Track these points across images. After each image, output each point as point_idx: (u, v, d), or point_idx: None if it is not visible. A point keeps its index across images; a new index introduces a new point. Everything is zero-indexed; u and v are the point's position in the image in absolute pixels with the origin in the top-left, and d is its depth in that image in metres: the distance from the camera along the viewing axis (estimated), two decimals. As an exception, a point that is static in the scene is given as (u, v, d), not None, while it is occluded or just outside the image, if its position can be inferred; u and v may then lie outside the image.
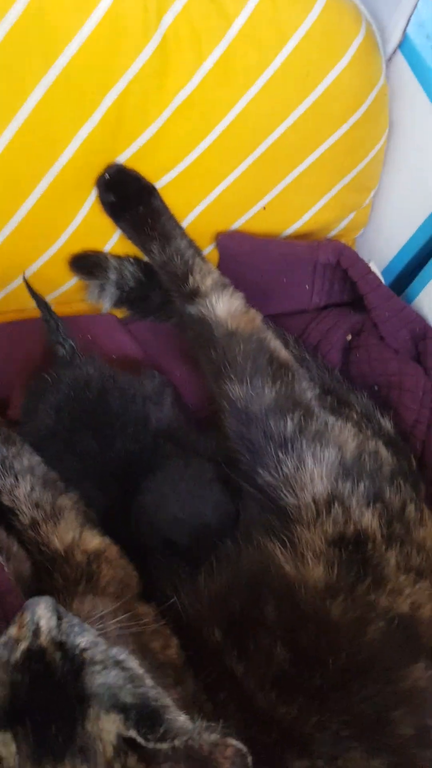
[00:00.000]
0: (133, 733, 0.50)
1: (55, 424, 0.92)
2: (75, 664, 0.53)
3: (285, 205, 1.08)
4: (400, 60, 1.04)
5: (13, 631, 0.56)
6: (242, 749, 0.48)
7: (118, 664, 0.54)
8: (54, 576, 0.77)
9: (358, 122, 1.02)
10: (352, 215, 1.16)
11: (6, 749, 0.49)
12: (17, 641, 0.54)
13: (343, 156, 1.06)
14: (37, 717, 0.50)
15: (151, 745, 0.49)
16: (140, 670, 0.55)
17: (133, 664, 0.56)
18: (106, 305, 1.10)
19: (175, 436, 0.99)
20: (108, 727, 0.50)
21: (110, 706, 0.51)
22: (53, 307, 1.12)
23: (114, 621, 0.68)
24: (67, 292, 1.10)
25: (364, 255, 1.13)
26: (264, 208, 1.07)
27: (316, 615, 0.71)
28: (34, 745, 0.49)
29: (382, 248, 1.22)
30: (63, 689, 0.52)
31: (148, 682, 0.55)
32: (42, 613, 0.55)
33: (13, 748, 0.49)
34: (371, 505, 0.82)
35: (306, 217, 1.11)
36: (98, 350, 1.07)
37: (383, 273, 1.22)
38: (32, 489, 0.84)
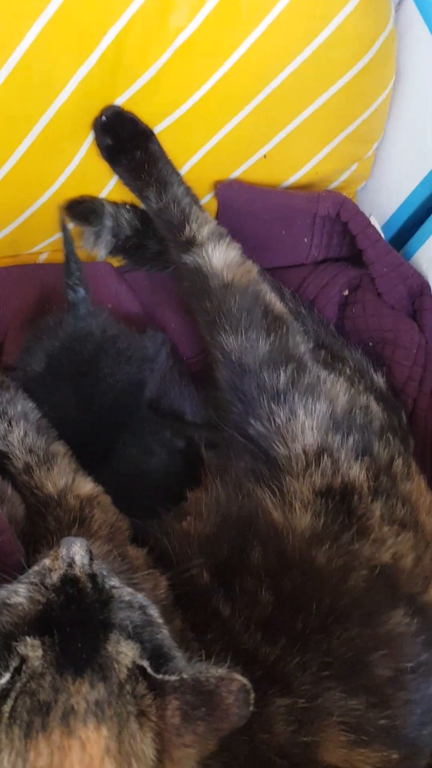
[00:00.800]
0: (145, 663, 0.53)
1: (44, 369, 0.93)
2: (104, 595, 0.57)
3: (286, 154, 1.06)
4: (410, 6, 1.01)
5: (47, 561, 0.59)
6: (247, 684, 0.52)
7: (141, 608, 0.58)
8: (47, 519, 0.79)
9: (364, 70, 1.00)
10: (353, 167, 1.14)
11: (33, 653, 0.52)
12: (51, 570, 0.58)
13: (347, 105, 1.03)
14: (65, 631, 0.54)
15: (159, 676, 0.53)
16: (160, 620, 0.58)
17: (155, 612, 0.59)
18: (101, 253, 1.09)
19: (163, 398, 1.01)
20: (125, 652, 0.54)
21: (131, 637, 0.55)
22: (49, 254, 1.12)
23: (108, 562, 0.70)
24: (62, 239, 1.08)
25: (364, 209, 1.12)
26: (264, 156, 1.05)
27: (302, 561, 0.73)
28: (59, 654, 0.52)
29: (383, 202, 1.21)
30: (91, 614, 0.55)
31: (165, 632, 0.58)
32: (77, 549, 0.59)
33: (39, 652, 0.52)
34: (360, 458, 0.84)
35: (307, 167, 1.09)
36: (94, 299, 1.06)
37: (383, 228, 1.20)
38: (26, 434, 0.85)
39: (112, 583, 0.59)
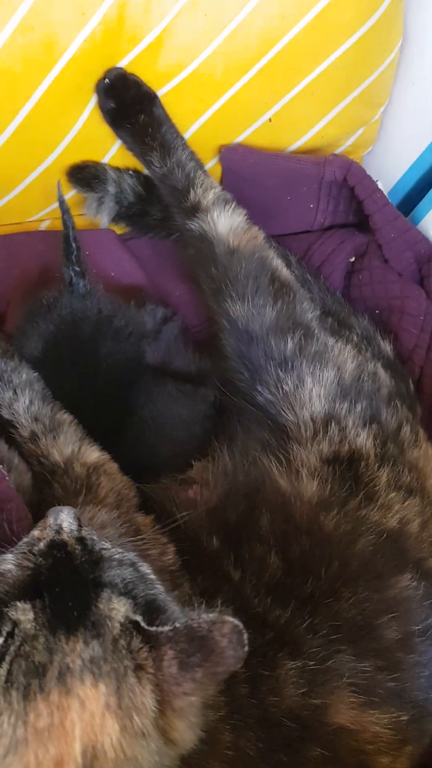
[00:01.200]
0: (138, 617, 0.53)
1: (41, 353, 0.91)
2: (93, 556, 0.57)
3: (291, 117, 1.04)
4: (418, -35, 0.99)
5: (36, 532, 0.59)
6: (239, 625, 0.51)
7: (132, 564, 0.58)
8: (54, 487, 0.79)
9: (370, 31, 0.97)
10: (360, 131, 1.12)
11: (24, 616, 0.52)
12: (40, 540, 0.58)
13: (353, 67, 1.01)
14: (55, 592, 0.54)
15: (153, 628, 0.53)
16: (152, 576, 0.58)
17: (146, 568, 0.58)
18: (104, 220, 1.08)
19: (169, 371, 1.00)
20: (118, 607, 0.54)
21: (122, 594, 0.55)
22: (51, 222, 1.11)
23: (114, 529, 0.70)
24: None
25: (371, 174, 1.10)
26: (270, 120, 1.03)
27: (310, 527, 0.74)
28: (51, 616, 0.52)
29: (390, 167, 1.19)
30: (81, 574, 0.56)
31: (159, 586, 0.57)
32: (64, 517, 0.59)
33: (30, 615, 0.52)
34: (367, 425, 0.83)
35: (313, 131, 1.07)
36: (96, 267, 1.05)
37: (390, 193, 1.19)
38: (31, 402, 0.85)
39: (102, 545, 0.59)
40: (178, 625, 0.52)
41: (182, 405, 0.94)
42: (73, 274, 0.93)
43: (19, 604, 0.53)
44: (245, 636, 0.51)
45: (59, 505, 0.74)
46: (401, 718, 0.65)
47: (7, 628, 0.51)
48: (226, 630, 0.51)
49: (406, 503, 0.77)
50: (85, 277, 0.94)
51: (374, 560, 0.72)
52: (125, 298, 1.04)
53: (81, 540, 0.58)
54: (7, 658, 0.50)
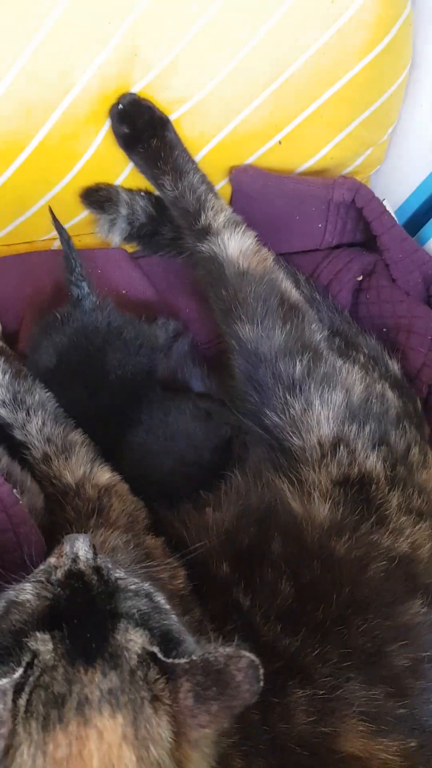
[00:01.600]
0: (155, 649, 0.54)
1: (54, 366, 0.92)
2: (110, 586, 0.58)
3: (301, 139, 1.05)
4: (427, -11, 1.00)
5: (52, 560, 0.60)
6: (255, 661, 0.52)
7: (148, 595, 0.58)
8: (66, 509, 0.79)
9: (381, 54, 0.98)
10: (368, 152, 1.13)
11: (44, 647, 0.53)
12: (56, 568, 0.59)
13: (363, 90, 1.02)
14: (73, 624, 0.55)
15: (170, 660, 0.53)
16: (167, 606, 0.59)
17: (161, 599, 0.59)
18: (115, 240, 1.09)
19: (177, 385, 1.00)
20: (135, 639, 0.54)
21: (139, 625, 0.55)
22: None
23: (126, 552, 0.71)
24: (77, 225, 1.08)
25: (378, 193, 1.11)
26: (280, 142, 1.04)
27: (321, 552, 0.74)
28: (70, 647, 0.53)
29: (397, 187, 1.20)
30: (98, 605, 0.56)
31: (174, 617, 0.58)
32: (80, 545, 0.60)
33: (50, 646, 0.53)
34: (376, 447, 0.84)
35: (322, 152, 1.08)
36: (108, 284, 1.06)
37: (396, 213, 1.20)
38: (44, 424, 0.86)
39: (118, 574, 0.60)
40: (194, 657, 0.53)
41: (198, 426, 0.93)
42: (78, 289, 0.94)
43: (38, 634, 0.53)
44: (261, 671, 0.52)
45: (71, 527, 0.77)
46: (410, 745, 0.65)
47: (26, 659, 0.52)
48: (243, 665, 0.52)
49: (417, 527, 0.78)
50: (91, 291, 0.95)
51: (385, 586, 0.72)
52: (137, 314, 1.05)
53: (97, 570, 0.58)
54: (27, 689, 0.51)
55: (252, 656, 0.52)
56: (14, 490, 0.73)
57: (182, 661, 0.53)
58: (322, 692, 0.64)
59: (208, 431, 0.93)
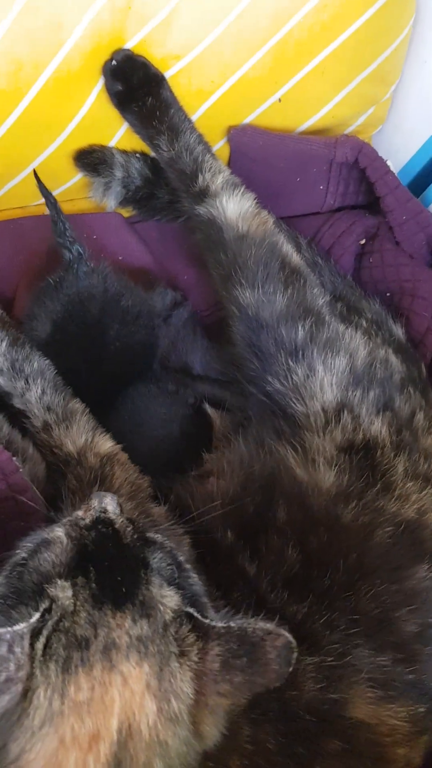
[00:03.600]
0: (191, 610, 0.54)
1: (50, 335, 0.90)
2: (142, 537, 0.58)
3: (302, 97, 1.02)
4: None
5: (79, 512, 0.59)
6: (292, 642, 0.52)
7: (170, 552, 0.58)
8: (68, 478, 0.78)
9: (383, 8, 0.95)
10: (371, 110, 1.10)
11: (63, 593, 0.52)
12: (83, 518, 0.58)
13: (365, 46, 0.99)
14: (102, 566, 0.54)
15: (207, 621, 0.53)
16: (188, 564, 0.59)
17: (182, 557, 0.59)
18: (111, 204, 1.06)
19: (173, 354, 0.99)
20: (170, 595, 0.54)
21: (168, 581, 0.55)
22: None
23: None
24: (70, 188, 1.05)
25: (381, 154, 1.08)
26: (279, 100, 1.01)
27: (327, 519, 0.73)
28: (97, 590, 0.52)
29: (400, 147, 1.17)
30: (131, 551, 0.56)
31: (194, 575, 0.58)
32: (109, 501, 0.59)
33: (69, 592, 0.52)
34: (381, 413, 0.83)
35: (323, 111, 1.05)
36: (103, 250, 1.04)
37: (399, 174, 1.17)
38: (43, 392, 0.84)
39: (151, 534, 0.60)
40: (233, 624, 0.53)
41: (159, 403, 0.94)
42: (70, 253, 0.91)
43: (59, 581, 0.53)
44: (294, 655, 0.52)
45: (74, 496, 0.76)
46: (418, 710, 0.65)
47: (44, 605, 0.51)
48: (279, 644, 0.52)
49: (424, 492, 0.77)
50: (84, 255, 0.92)
51: (392, 552, 0.71)
52: (134, 281, 1.03)
53: (131, 521, 0.58)
54: (45, 632, 0.50)
55: (290, 637, 0.52)
56: (14, 458, 0.72)
57: (220, 624, 0.53)
58: (330, 659, 0.64)
59: (173, 406, 0.93)
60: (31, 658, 0.50)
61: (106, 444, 0.83)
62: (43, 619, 0.51)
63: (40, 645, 0.50)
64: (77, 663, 0.50)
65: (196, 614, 0.54)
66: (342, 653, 0.65)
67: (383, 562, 0.70)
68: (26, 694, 0.49)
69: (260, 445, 0.83)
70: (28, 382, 0.84)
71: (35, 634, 0.50)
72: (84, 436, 0.82)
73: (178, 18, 0.88)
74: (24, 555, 0.56)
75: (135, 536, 0.57)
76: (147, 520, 0.72)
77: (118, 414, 0.92)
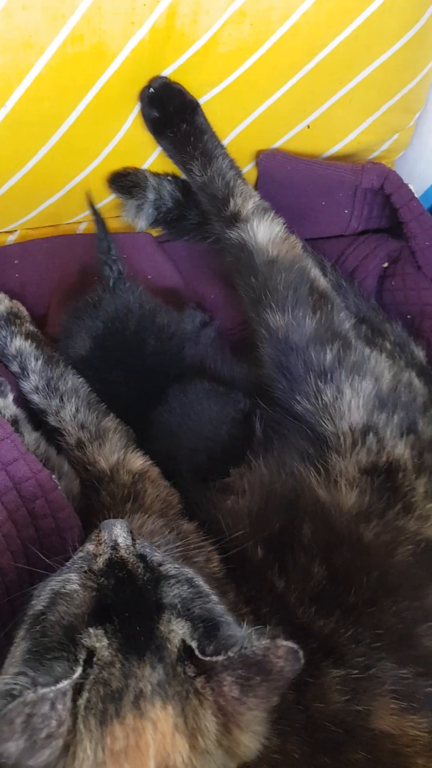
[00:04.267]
0: (194, 644, 0.55)
1: (89, 351, 0.93)
2: (155, 574, 0.58)
3: (330, 124, 1.05)
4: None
5: (90, 547, 0.61)
6: (293, 647, 0.52)
7: (188, 581, 0.59)
8: (102, 494, 0.81)
9: (412, 40, 0.98)
10: (395, 137, 1.13)
11: (99, 643, 0.53)
12: (96, 556, 0.60)
13: (393, 75, 1.02)
14: (123, 616, 0.55)
15: (207, 658, 0.54)
16: (207, 588, 0.60)
17: (201, 582, 0.60)
18: (141, 225, 1.09)
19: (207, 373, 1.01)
20: (177, 630, 0.55)
21: (181, 615, 0.56)
22: (87, 224, 1.12)
23: (162, 537, 0.72)
24: (102, 209, 1.08)
25: (402, 179, 1.11)
26: (308, 126, 1.04)
27: (350, 537, 0.75)
28: (123, 641, 0.54)
29: (421, 172, 1.20)
30: (144, 595, 0.57)
31: (214, 598, 0.59)
32: (119, 532, 0.61)
33: (105, 642, 0.54)
34: (404, 435, 0.85)
35: (350, 137, 1.08)
36: (134, 269, 1.07)
37: (421, 198, 1.19)
38: (77, 410, 0.87)
39: (157, 558, 0.61)
40: (231, 654, 0.53)
41: (213, 402, 0.95)
42: (111, 271, 0.95)
43: (92, 630, 0.54)
44: (300, 654, 0.53)
45: (108, 512, 0.78)
46: (439, 722, 0.68)
47: (83, 656, 0.52)
48: (282, 653, 0.52)
49: None
50: (123, 273, 0.96)
51: (413, 570, 0.73)
52: (163, 300, 1.06)
53: (142, 558, 0.59)
54: (87, 686, 0.52)
55: (289, 644, 0.52)
56: (53, 476, 0.74)
57: (220, 658, 0.53)
58: (355, 672, 0.66)
59: (224, 406, 0.94)
60: (73, 714, 0.51)
61: (138, 461, 0.86)
62: (85, 674, 0.52)
63: (82, 702, 0.51)
64: (112, 714, 0.51)
65: (195, 651, 0.54)
66: (366, 666, 0.67)
67: (404, 579, 0.73)
68: (68, 749, 0.50)
69: (282, 466, 0.85)
70: (62, 400, 0.87)
71: (77, 689, 0.51)
72: (116, 454, 0.85)
73: (215, 47, 0.91)
74: (41, 607, 0.57)
75: (147, 576, 0.58)
76: (178, 538, 0.74)
77: (168, 405, 0.93)
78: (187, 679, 0.54)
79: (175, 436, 0.92)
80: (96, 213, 0.96)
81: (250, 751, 0.56)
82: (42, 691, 0.48)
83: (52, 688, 0.49)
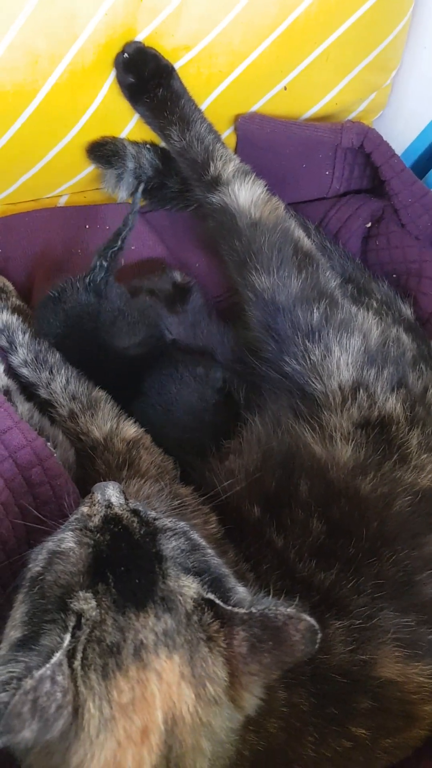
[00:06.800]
0: (212, 596, 0.55)
1: (62, 334, 0.92)
2: (150, 527, 0.59)
3: (307, 85, 1.04)
4: None
5: (84, 509, 0.61)
6: (315, 626, 0.53)
7: (185, 533, 0.60)
8: (97, 463, 0.81)
9: (385, -5, 0.97)
10: (372, 96, 1.12)
11: (87, 605, 0.54)
12: (90, 516, 0.60)
13: (367, 32, 1.01)
14: (119, 571, 0.55)
15: (229, 608, 0.54)
16: (203, 541, 0.60)
17: (197, 536, 0.61)
18: (122, 195, 1.08)
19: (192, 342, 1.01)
20: (188, 585, 0.56)
21: (184, 569, 0.57)
22: (69, 197, 1.11)
23: (159, 501, 0.73)
24: (82, 180, 1.07)
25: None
26: (285, 88, 1.03)
27: (347, 491, 0.76)
28: (117, 595, 0.54)
29: (400, 132, 1.19)
30: (142, 548, 0.57)
31: (210, 551, 0.60)
32: (111, 492, 0.61)
33: (93, 603, 0.54)
34: (395, 390, 0.85)
35: (327, 97, 1.07)
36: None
37: (401, 157, 1.19)
38: (68, 382, 0.87)
39: (152, 514, 0.61)
40: (254, 610, 0.53)
41: (191, 389, 0.95)
42: (100, 270, 0.93)
43: (80, 593, 0.54)
44: (319, 636, 0.53)
45: (103, 480, 0.77)
46: (443, 668, 0.69)
47: (72, 622, 0.52)
48: (302, 627, 0.53)
49: None
50: (112, 273, 0.93)
51: (411, 519, 0.74)
52: (147, 270, 1.06)
53: (135, 512, 0.60)
54: (79, 648, 0.52)
55: (312, 621, 0.53)
56: (48, 444, 0.74)
57: (241, 610, 0.54)
58: (358, 622, 0.67)
59: (203, 392, 0.94)
60: (73, 678, 0.51)
61: (130, 429, 0.86)
62: (74, 638, 0.52)
63: (77, 663, 0.51)
64: (113, 668, 0.51)
65: (217, 601, 0.55)
66: (369, 616, 0.68)
67: (403, 529, 0.74)
68: (77, 711, 0.51)
69: (277, 424, 0.85)
70: (52, 372, 0.87)
71: (71, 654, 0.52)
72: (109, 423, 0.85)
73: (188, 8, 0.89)
74: (39, 569, 0.57)
75: (143, 530, 0.58)
76: (175, 502, 0.75)
77: (146, 400, 0.93)
78: (199, 628, 0.54)
79: (158, 428, 0.91)
80: (132, 218, 0.93)
81: (250, 706, 0.56)
82: (38, 673, 0.48)
83: (47, 666, 0.49)
